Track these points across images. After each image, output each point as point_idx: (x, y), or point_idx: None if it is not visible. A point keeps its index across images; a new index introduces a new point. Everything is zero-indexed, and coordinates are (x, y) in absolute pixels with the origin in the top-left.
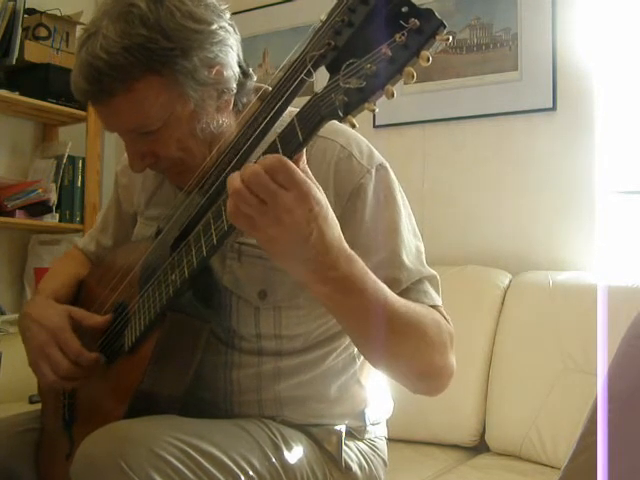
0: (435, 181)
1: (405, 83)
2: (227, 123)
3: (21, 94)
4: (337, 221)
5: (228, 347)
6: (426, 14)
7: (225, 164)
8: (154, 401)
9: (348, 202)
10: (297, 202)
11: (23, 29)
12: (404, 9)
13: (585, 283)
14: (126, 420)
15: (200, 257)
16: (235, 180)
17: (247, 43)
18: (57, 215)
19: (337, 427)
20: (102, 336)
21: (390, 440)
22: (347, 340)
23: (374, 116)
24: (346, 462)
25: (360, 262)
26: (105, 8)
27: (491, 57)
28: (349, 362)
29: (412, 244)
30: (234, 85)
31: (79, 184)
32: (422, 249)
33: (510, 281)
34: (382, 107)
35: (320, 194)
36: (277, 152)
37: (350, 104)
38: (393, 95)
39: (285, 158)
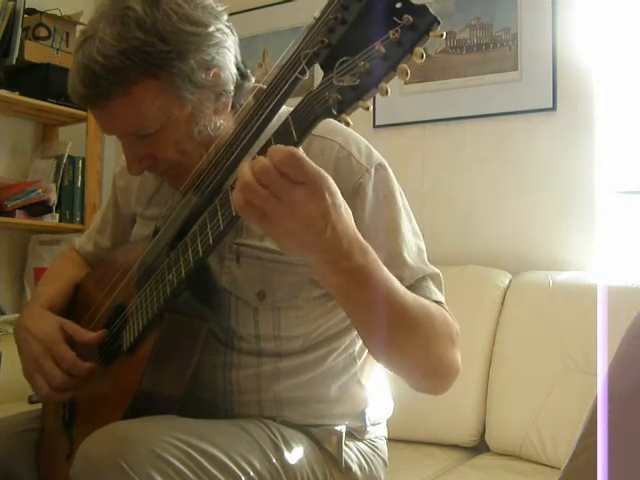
0: (435, 181)
1: (405, 82)
2: (225, 125)
3: (21, 94)
4: (350, 211)
5: (227, 347)
6: (420, 10)
7: (221, 164)
8: (154, 401)
9: (347, 202)
10: (310, 196)
11: (23, 29)
12: (398, 5)
13: (585, 283)
14: (126, 420)
15: (196, 257)
16: (246, 173)
17: (247, 43)
18: (57, 215)
19: (337, 427)
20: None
21: (390, 440)
22: (347, 340)
23: (374, 116)
24: (346, 462)
25: (373, 253)
26: (102, 10)
27: (491, 57)
28: (349, 362)
29: (413, 243)
30: (231, 87)
31: (79, 184)
32: (423, 247)
33: (510, 281)
34: (382, 107)
35: (333, 184)
36: None
37: (344, 102)
38: (387, 92)
39: (296, 150)
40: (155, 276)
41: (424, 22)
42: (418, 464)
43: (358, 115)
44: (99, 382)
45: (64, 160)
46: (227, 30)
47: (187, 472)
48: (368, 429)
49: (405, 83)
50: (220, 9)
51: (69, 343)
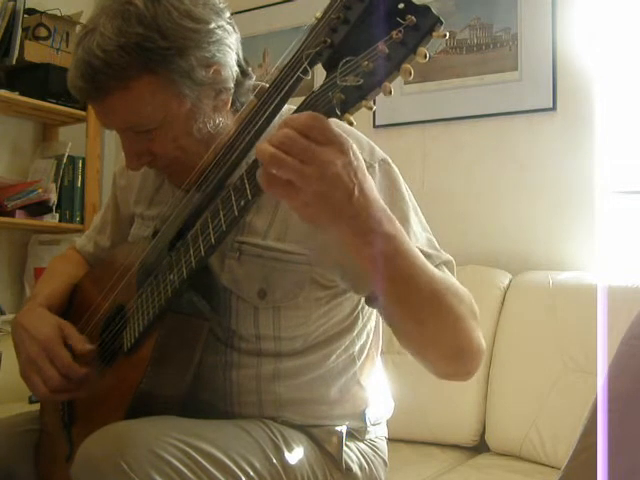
0: (435, 181)
1: (405, 82)
2: (225, 122)
3: (21, 94)
4: (372, 180)
5: (227, 347)
6: (423, 10)
7: (222, 163)
8: (154, 402)
9: None
10: (337, 155)
11: (23, 29)
12: (400, 6)
13: (585, 283)
14: (126, 421)
15: (198, 257)
16: (266, 148)
17: (247, 43)
18: (57, 215)
19: (338, 428)
20: (100, 337)
21: (390, 440)
22: (347, 341)
23: (374, 116)
24: (346, 462)
25: (398, 223)
26: (103, 4)
27: (491, 57)
28: (349, 363)
29: (422, 235)
30: (232, 84)
31: (79, 184)
32: (433, 239)
33: (510, 281)
34: (382, 107)
35: (355, 148)
36: None
37: (348, 102)
38: (391, 92)
39: (317, 113)
40: (156, 276)
41: (427, 22)
42: (418, 464)
43: (358, 115)
44: (99, 383)
45: (64, 160)
46: (229, 27)
47: (187, 472)
48: (368, 429)
49: (405, 83)
50: (222, 6)
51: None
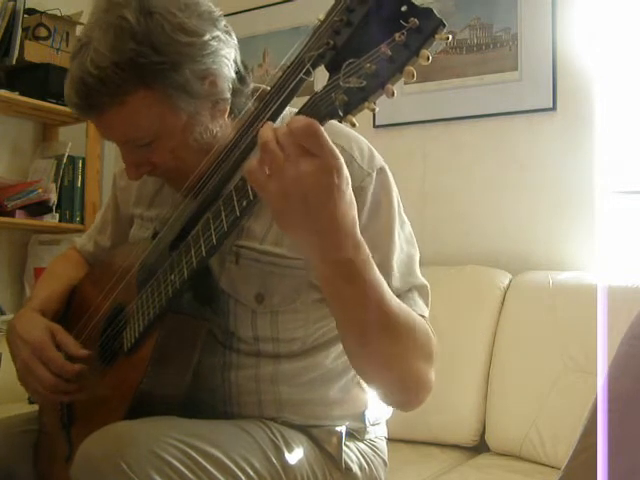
0: (435, 181)
1: (405, 82)
2: (223, 131)
3: (21, 94)
4: (355, 204)
5: (226, 348)
6: (425, 13)
7: (223, 165)
8: (154, 402)
9: None
10: (320, 169)
11: (23, 29)
12: (403, 8)
13: (585, 283)
14: (126, 421)
15: (199, 257)
16: (268, 134)
17: (247, 43)
18: (57, 215)
19: (337, 428)
20: (100, 338)
21: (390, 440)
22: None
23: (374, 116)
24: (346, 463)
25: (367, 251)
26: (97, 16)
27: (491, 57)
28: (349, 364)
29: (404, 252)
30: (229, 94)
31: (79, 184)
32: (415, 256)
33: (510, 281)
34: (382, 107)
35: (345, 170)
36: None
37: (350, 103)
38: (393, 94)
39: (317, 123)
40: (156, 277)
41: (430, 25)
42: (418, 464)
43: (358, 115)
44: (99, 383)
45: (64, 160)
46: (224, 36)
47: (187, 472)
48: (368, 429)
49: (405, 83)
50: (218, 15)
51: (65, 325)
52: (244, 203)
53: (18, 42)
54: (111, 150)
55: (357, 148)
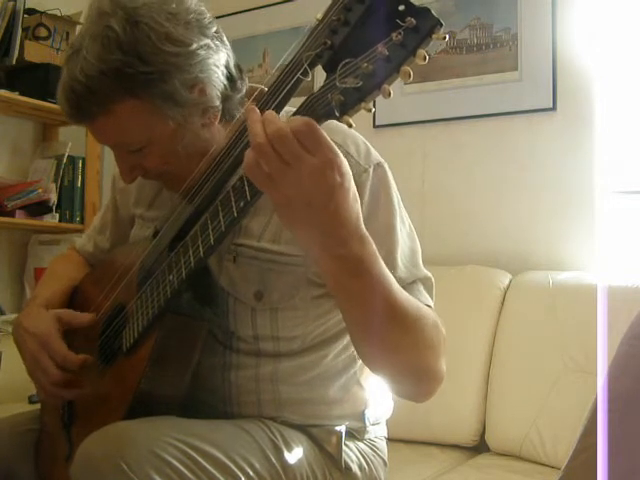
0: (435, 181)
1: (403, 82)
2: (215, 136)
3: (21, 94)
4: (358, 198)
5: (226, 348)
6: (423, 13)
7: (221, 165)
8: (153, 402)
9: None
10: (322, 168)
11: (23, 29)
12: (401, 8)
13: (585, 283)
14: (126, 421)
15: (197, 257)
16: (259, 134)
17: (247, 43)
18: (57, 215)
19: (337, 427)
20: (100, 338)
21: (390, 440)
22: (345, 341)
23: (374, 116)
24: (346, 462)
25: (372, 246)
26: (87, 25)
27: (491, 57)
28: (349, 363)
29: (406, 245)
30: (218, 102)
31: (79, 184)
32: (417, 250)
33: (510, 281)
34: (382, 107)
35: (346, 166)
36: None
37: (347, 103)
38: (390, 94)
39: (313, 121)
40: (155, 277)
41: (427, 24)
42: (418, 464)
43: (358, 115)
44: (99, 383)
45: (64, 160)
46: (214, 43)
47: (186, 472)
48: (368, 429)
49: (405, 83)
50: (207, 21)
51: (68, 338)
52: (241, 204)
53: (18, 42)
54: (111, 150)
55: (353, 144)
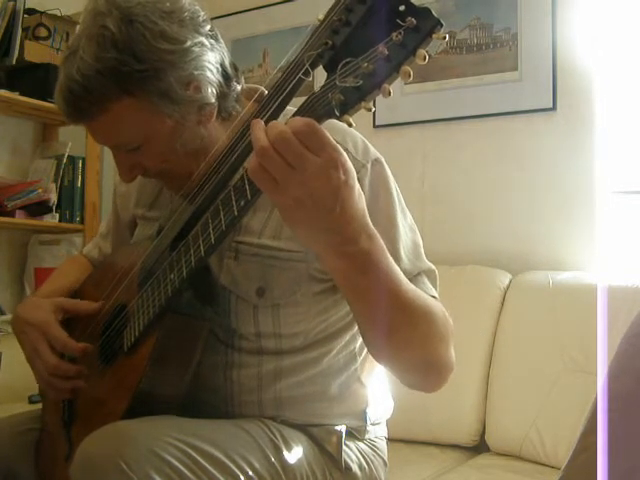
0: (435, 181)
1: (403, 82)
2: (212, 133)
3: (21, 94)
4: (363, 194)
5: (228, 347)
6: (423, 13)
7: (223, 164)
8: (154, 401)
9: None
10: (326, 169)
11: (23, 29)
12: (401, 8)
13: (585, 283)
14: (126, 420)
15: (198, 256)
16: (261, 139)
17: (247, 43)
18: (57, 215)
19: (337, 427)
20: (101, 337)
21: (390, 440)
22: (347, 337)
23: (374, 116)
24: (346, 462)
25: (380, 241)
26: (84, 25)
27: (491, 57)
28: (350, 360)
29: (409, 238)
30: (213, 99)
31: (79, 184)
32: (420, 243)
33: (510, 281)
34: (382, 107)
35: (349, 163)
36: None
37: (347, 103)
38: (390, 94)
39: (315, 122)
40: (156, 276)
41: (427, 24)
42: (418, 464)
43: (358, 115)
44: (99, 382)
45: (64, 160)
46: (208, 41)
47: (186, 472)
48: (368, 429)
49: (405, 83)
50: (202, 19)
51: (67, 326)
52: (242, 203)
53: (18, 42)
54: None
55: (351, 141)
